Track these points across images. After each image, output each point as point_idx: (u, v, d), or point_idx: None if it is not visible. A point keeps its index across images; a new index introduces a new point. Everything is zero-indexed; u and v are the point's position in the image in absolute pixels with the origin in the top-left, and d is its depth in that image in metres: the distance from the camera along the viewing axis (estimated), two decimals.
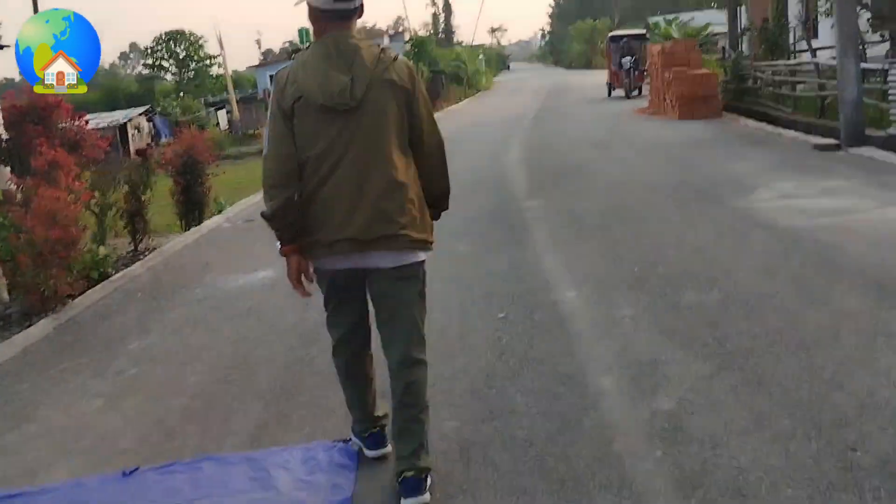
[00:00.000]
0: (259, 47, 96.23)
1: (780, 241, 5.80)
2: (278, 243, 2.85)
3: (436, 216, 3.04)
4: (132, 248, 8.76)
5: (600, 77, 44.16)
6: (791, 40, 17.64)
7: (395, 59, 2.81)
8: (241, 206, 11.17)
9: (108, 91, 52.76)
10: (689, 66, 16.05)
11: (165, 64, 48.20)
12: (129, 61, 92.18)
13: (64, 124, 9.35)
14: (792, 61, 15.99)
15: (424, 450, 2.83)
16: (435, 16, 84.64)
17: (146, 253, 8.56)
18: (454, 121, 22.63)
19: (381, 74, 2.74)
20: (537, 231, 7.19)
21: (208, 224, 10.08)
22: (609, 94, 25.19)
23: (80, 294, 6.51)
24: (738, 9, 18.93)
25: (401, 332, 2.87)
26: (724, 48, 19.14)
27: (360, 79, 2.71)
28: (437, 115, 3.25)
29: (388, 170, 2.74)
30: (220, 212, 11.02)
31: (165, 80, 48.84)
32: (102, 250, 7.50)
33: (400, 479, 2.79)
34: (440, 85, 35.73)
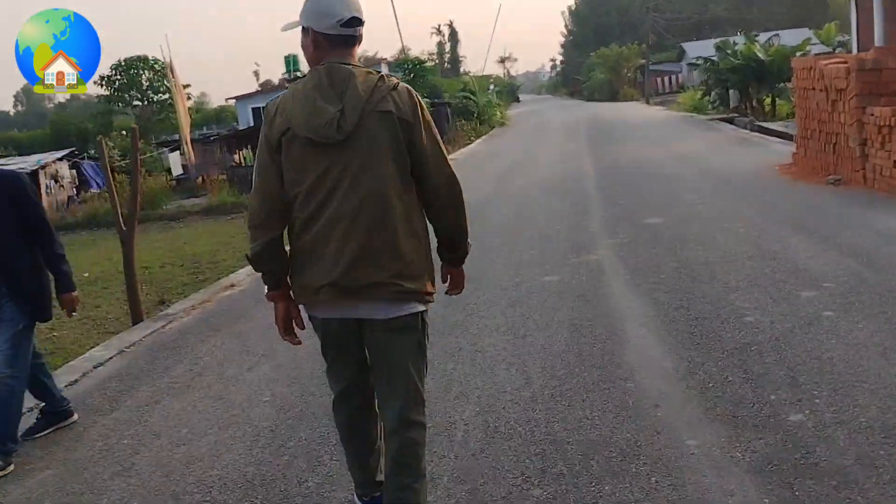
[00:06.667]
0: (257, 78, 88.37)
1: None
2: (265, 287, 2.64)
3: (455, 261, 2.79)
4: None
5: (640, 110, 35.74)
6: None
7: (396, 87, 2.52)
8: None
9: (58, 127, 44.87)
10: None
11: (127, 96, 41.40)
12: None
13: None
14: None
15: None
16: (440, 44, 78.01)
17: None
18: (467, 185, 14.88)
19: (377, 105, 2.47)
20: None
21: None
22: None
23: None
24: None
25: (396, 389, 2.61)
26: None
27: (350, 110, 2.45)
28: None
29: (381, 209, 2.47)
30: None
31: (126, 113, 42.08)
32: None
33: None
34: (445, 119, 28.32)
